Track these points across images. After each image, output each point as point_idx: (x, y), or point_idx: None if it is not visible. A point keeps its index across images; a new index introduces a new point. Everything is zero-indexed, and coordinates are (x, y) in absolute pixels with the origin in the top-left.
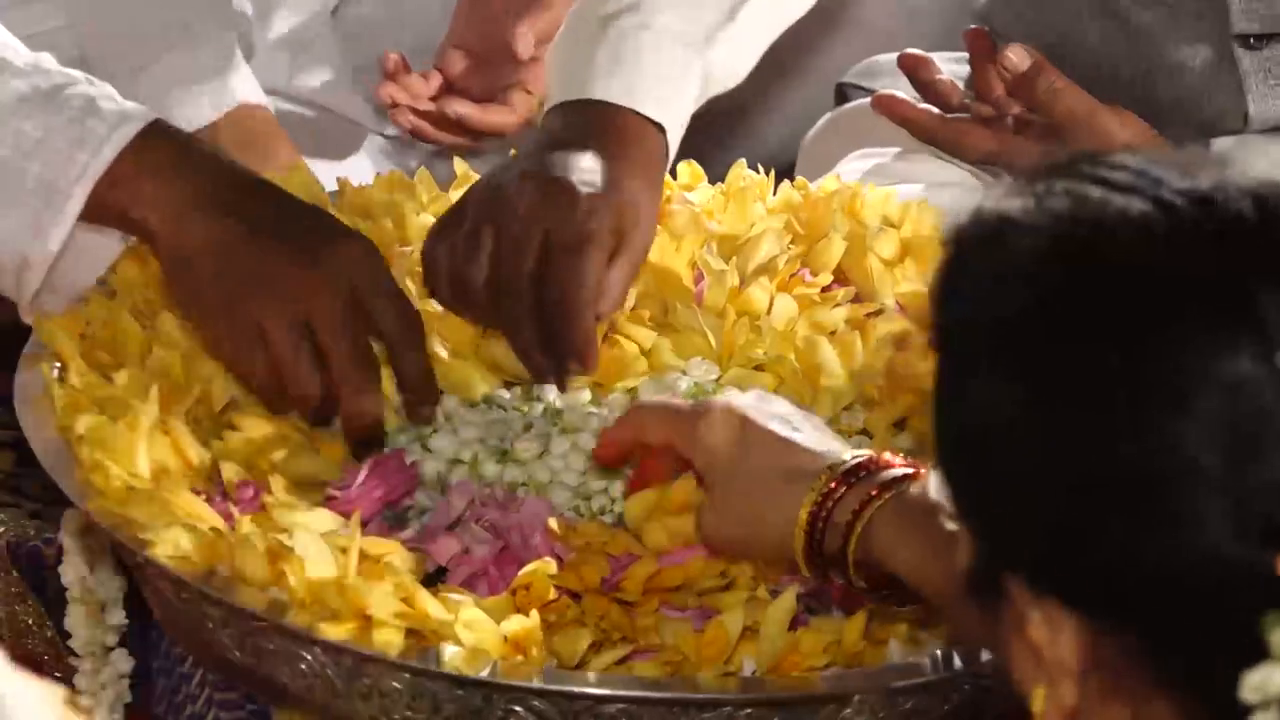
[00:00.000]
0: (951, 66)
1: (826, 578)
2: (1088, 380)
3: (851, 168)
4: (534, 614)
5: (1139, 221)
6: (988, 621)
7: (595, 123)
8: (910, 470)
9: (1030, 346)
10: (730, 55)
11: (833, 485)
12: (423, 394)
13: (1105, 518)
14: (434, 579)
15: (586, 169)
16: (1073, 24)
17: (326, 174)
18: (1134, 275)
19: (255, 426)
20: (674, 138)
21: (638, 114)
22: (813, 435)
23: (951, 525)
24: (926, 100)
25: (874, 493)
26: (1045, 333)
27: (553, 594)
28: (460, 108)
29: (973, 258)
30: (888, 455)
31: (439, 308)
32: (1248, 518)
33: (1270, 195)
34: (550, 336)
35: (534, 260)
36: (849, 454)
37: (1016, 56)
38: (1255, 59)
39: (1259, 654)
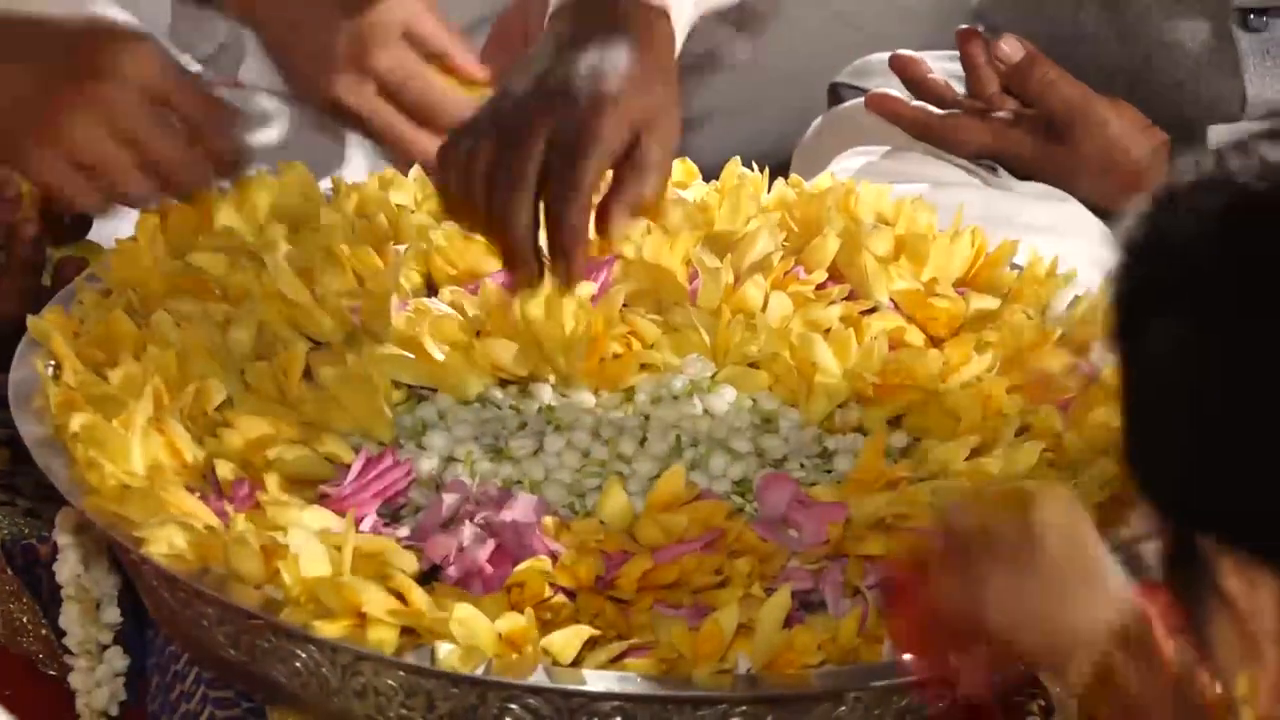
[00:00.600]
0: (944, 64)
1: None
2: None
3: (844, 166)
4: (529, 612)
5: None
6: (1187, 604)
7: (602, 14)
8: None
9: (1218, 287)
10: None
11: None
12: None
13: None
14: (429, 577)
15: (594, 67)
16: (1070, 9)
17: (323, 170)
18: None
19: (250, 424)
20: (680, 32)
21: (645, 3)
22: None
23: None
24: (919, 99)
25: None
26: (1231, 273)
27: (547, 592)
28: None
29: (1151, 222)
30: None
31: (436, 309)
32: None
33: None
34: (548, 236)
35: (534, 161)
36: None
37: (1010, 48)
38: (1253, 40)
39: None
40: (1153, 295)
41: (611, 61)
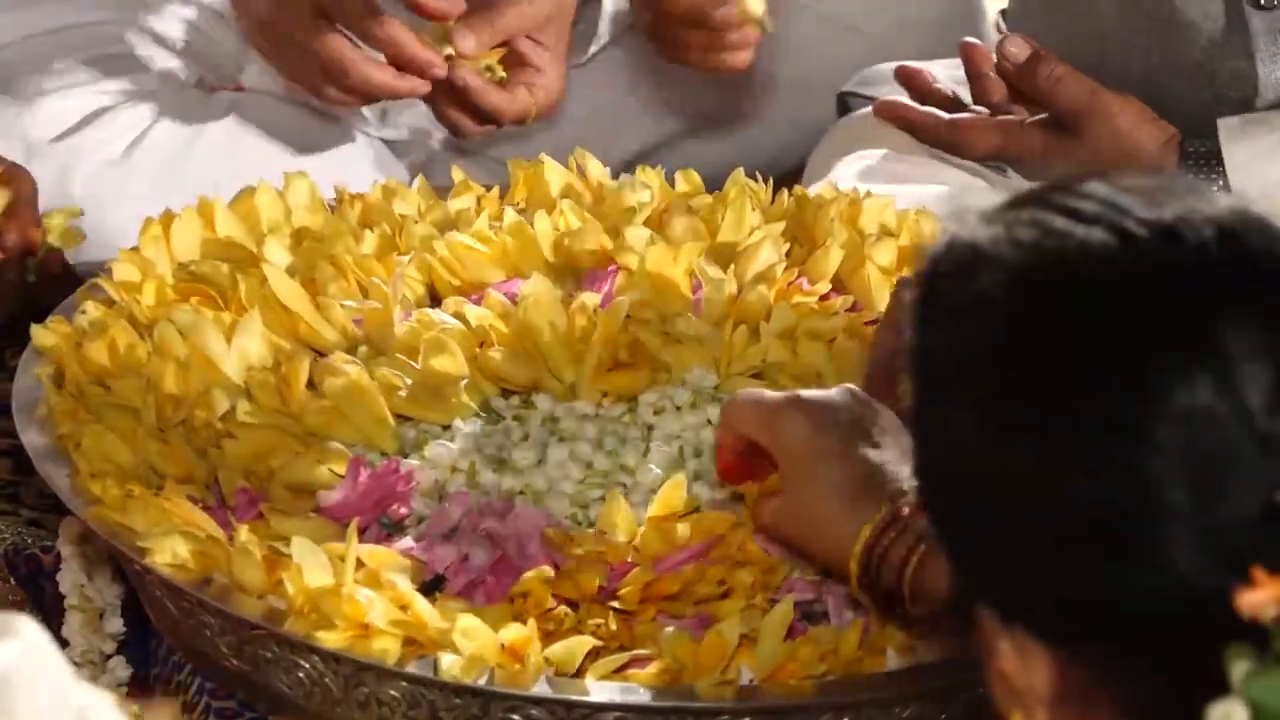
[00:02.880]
0: (949, 74)
1: (888, 608)
2: (1050, 413)
3: (848, 170)
4: (531, 622)
5: (1101, 253)
6: (971, 644)
7: None
8: None
9: (994, 380)
10: None
11: (886, 524)
12: None
13: (1071, 550)
14: (431, 587)
15: None
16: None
17: (324, 179)
18: (1095, 308)
19: (252, 435)
20: None
21: None
22: (888, 455)
23: None
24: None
25: (925, 534)
26: (1009, 367)
27: (550, 602)
28: (468, 76)
29: (943, 288)
30: None
31: (439, 319)
32: (1213, 549)
33: (1236, 225)
34: None
35: None
36: (909, 486)
37: (1016, 47)
38: (1265, 19)
39: (1224, 687)
40: (937, 370)
41: None
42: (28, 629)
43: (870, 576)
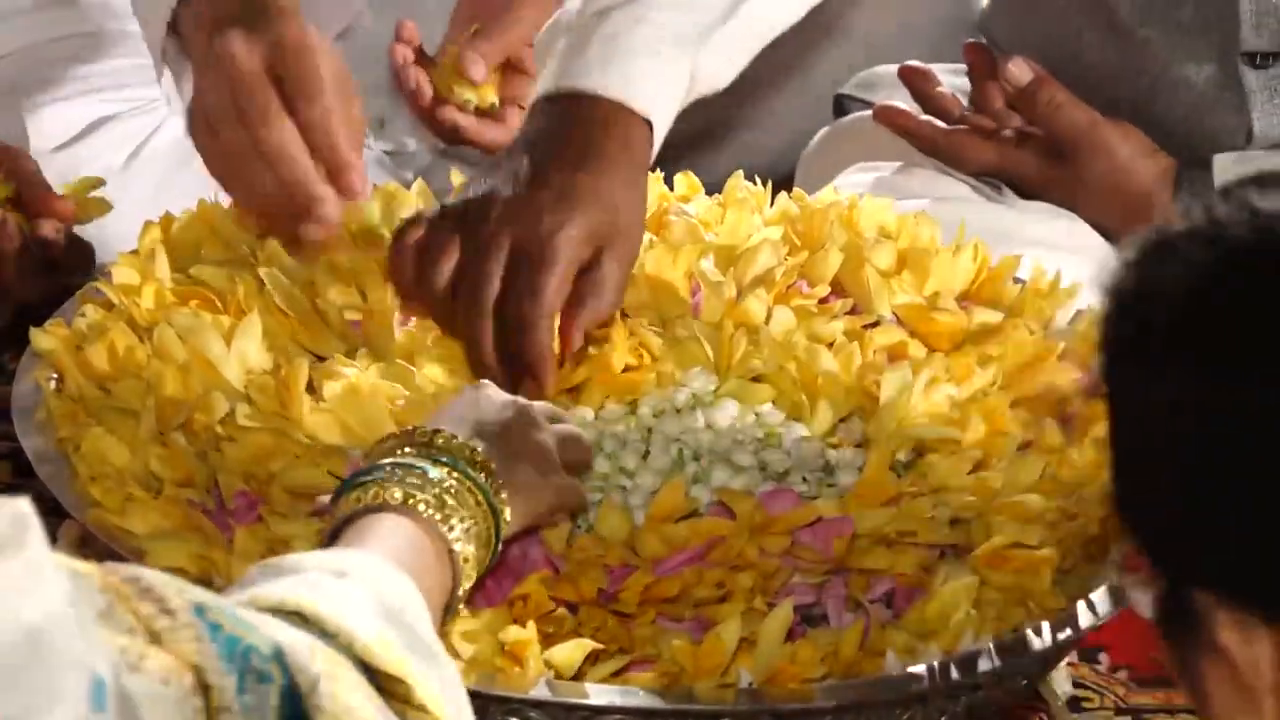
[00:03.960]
0: (950, 78)
1: None
2: (1270, 367)
3: (852, 180)
4: (531, 625)
5: None
6: (1180, 656)
7: (581, 117)
8: None
9: (1210, 341)
10: (721, 57)
11: None
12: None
13: None
14: None
15: (565, 173)
16: (1072, 39)
17: None
18: None
19: (252, 438)
20: (660, 135)
21: (626, 108)
22: None
23: None
24: (927, 112)
25: None
26: (1225, 327)
27: (550, 605)
28: (456, 117)
29: (1142, 273)
30: None
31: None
32: None
33: None
34: (508, 350)
35: (497, 271)
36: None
37: (1018, 70)
38: (1261, 77)
39: None
40: (1143, 347)
41: (582, 173)
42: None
43: None
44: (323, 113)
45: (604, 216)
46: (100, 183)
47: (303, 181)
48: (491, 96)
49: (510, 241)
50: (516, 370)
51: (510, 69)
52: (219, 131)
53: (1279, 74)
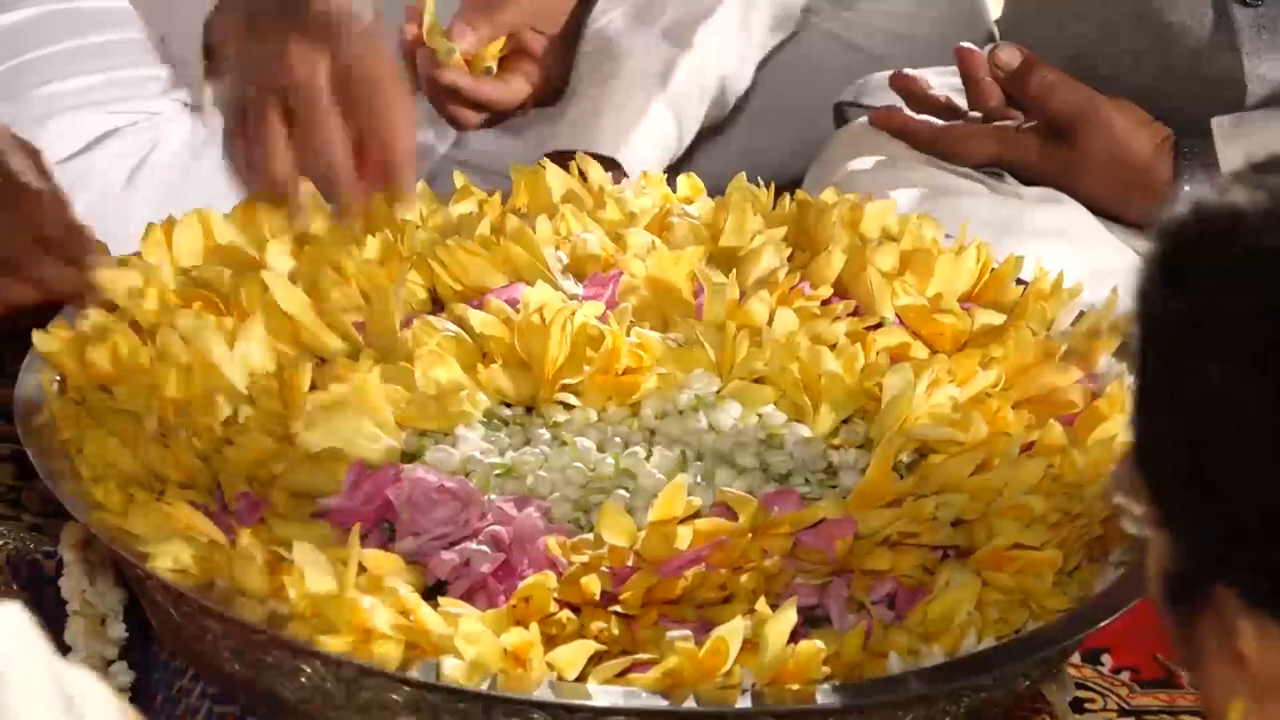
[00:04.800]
0: (945, 80)
1: None
2: None
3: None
4: (533, 627)
5: None
6: (1180, 628)
7: None
8: None
9: (1265, 340)
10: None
11: None
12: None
13: None
14: (433, 592)
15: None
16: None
17: None
18: None
19: (255, 440)
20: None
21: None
22: None
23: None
24: (921, 114)
25: None
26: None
27: (552, 606)
28: (455, 77)
29: (1199, 251)
30: None
31: (441, 326)
32: None
33: None
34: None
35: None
36: None
37: (1007, 54)
38: (1250, 15)
39: None
40: (1199, 332)
41: None
42: (8, 615)
43: None
44: (388, 126)
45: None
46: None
47: (343, 183)
48: (488, 61)
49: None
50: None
51: (515, 48)
52: (248, 123)
53: (1266, 12)
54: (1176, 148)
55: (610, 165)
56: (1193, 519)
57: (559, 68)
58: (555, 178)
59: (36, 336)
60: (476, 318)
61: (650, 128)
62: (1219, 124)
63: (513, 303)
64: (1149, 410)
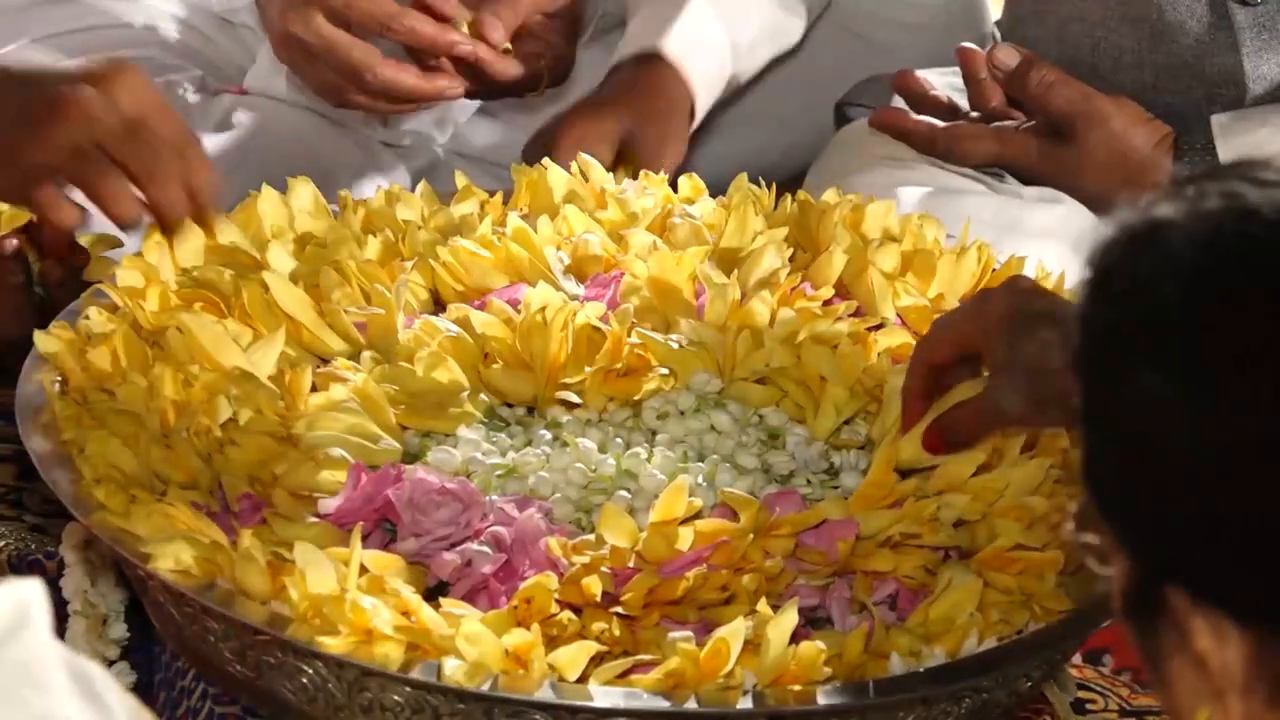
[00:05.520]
0: (948, 79)
1: None
2: (1255, 375)
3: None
4: (535, 628)
5: None
6: (1144, 641)
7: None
8: None
9: (1193, 342)
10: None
11: None
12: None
13: (1274, 522)
14: (435, 593)
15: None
16: (1074, 2)
17: (326, 183)
18: None
19: (256, 441)
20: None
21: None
22: None
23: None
24: (921, 114)
25: None
26: (1210, 328)
27: (554, 607)
28: (479, 50)
29: (1129, 257)
30: None
31: (443, 326)
32: None
33: None
34: None
35: None
36: None
37: (1005, 54)
38: (1249, 15)
39: None
40: (1125, 341)
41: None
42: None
43: None
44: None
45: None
46: (117, 244)
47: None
48: (504, 43)
49: None
50: None
51: (526, 33)
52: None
53: (1265, 11)
54: (1176, 145)
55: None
56: (1138, 526)
57: (567, 50)
58: (557, 178)
59: (38, 337)
60: (478, 318)
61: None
62: (1218, 121)
63: (514, 303)
64: (1089, 425)
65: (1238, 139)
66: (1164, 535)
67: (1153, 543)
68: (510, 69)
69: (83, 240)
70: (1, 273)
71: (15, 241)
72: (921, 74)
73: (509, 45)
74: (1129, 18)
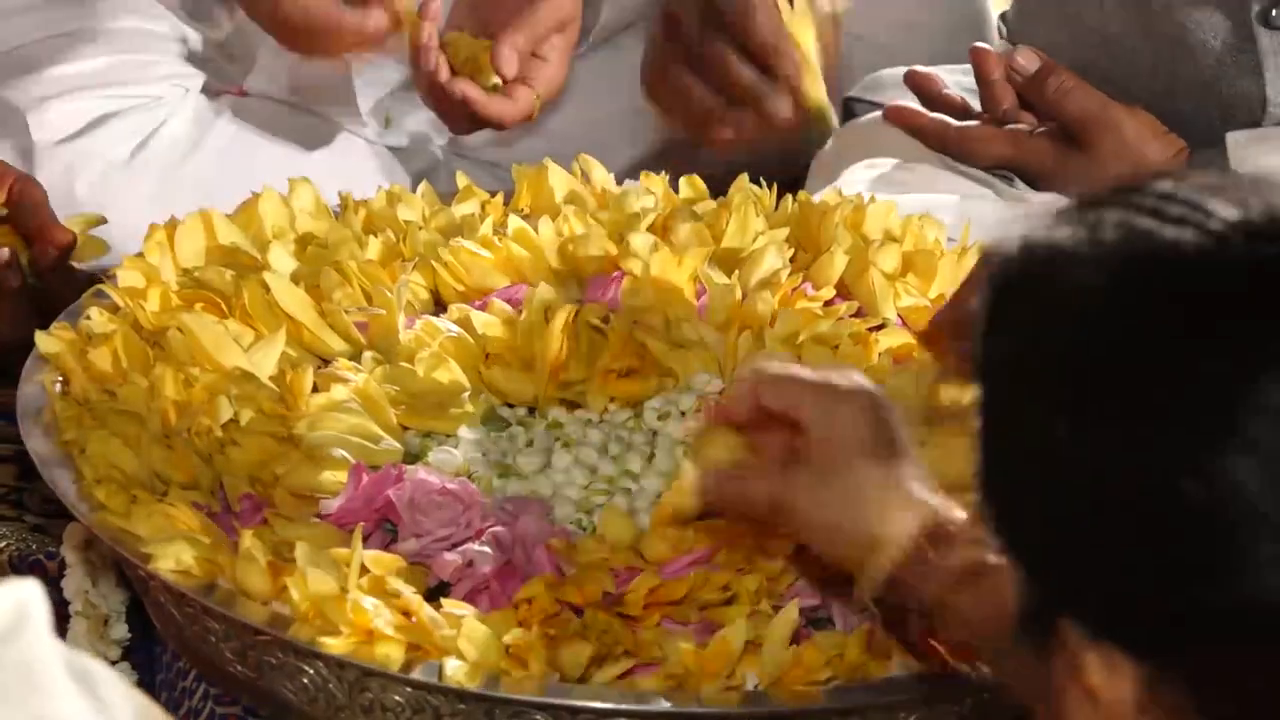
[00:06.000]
0: (957, 79)
1: (898, 624)
2: (1143, 415)
3: (855, 178)
4: (536, 628)
5: (1192, 254)
6: (1037, 666)
7: None
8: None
9: (1084, 379)
10: None
11: (932, 538)
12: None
13: (1163, 559)
14: (436, 593)
15: None
16: (1093, 11)
17: (328, 185)
18: (1189, 308)
19: (257, 441)
20: None
21: None
22: (915, 468)
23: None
24: (935, 112)
25: (966, 573)
26: (1099, 366)
27: (554, 608)
28: (468, 90)
29: (1023, 290)
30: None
31: (444, 326)
32: None
33: None
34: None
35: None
36: (942, 512)
37: (1025, 59)
38: (1275, 39)
39: None
40: (1014, 374)
41: None
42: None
43: (891, 591)
44: None
45: None
46: (101, 220)
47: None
48: (495, 80)
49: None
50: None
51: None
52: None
53: None
54: (1190, 160)
55: None
56: (1031, 556)
57: (559, 68)
58: (558, 178)
59: (39, 338)
60: (478, 318)
61: None
62: (1234, 139)
63: (515, 303)
64: (985, 452)
65: (1253, 159)
66: (1056, 568)
67: (1045, 574)
68: (505, 114)
69: (67, 222)
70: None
71: (7, 250)
72: (934, 70)
73: (498, 81)
74: (1149, 33)
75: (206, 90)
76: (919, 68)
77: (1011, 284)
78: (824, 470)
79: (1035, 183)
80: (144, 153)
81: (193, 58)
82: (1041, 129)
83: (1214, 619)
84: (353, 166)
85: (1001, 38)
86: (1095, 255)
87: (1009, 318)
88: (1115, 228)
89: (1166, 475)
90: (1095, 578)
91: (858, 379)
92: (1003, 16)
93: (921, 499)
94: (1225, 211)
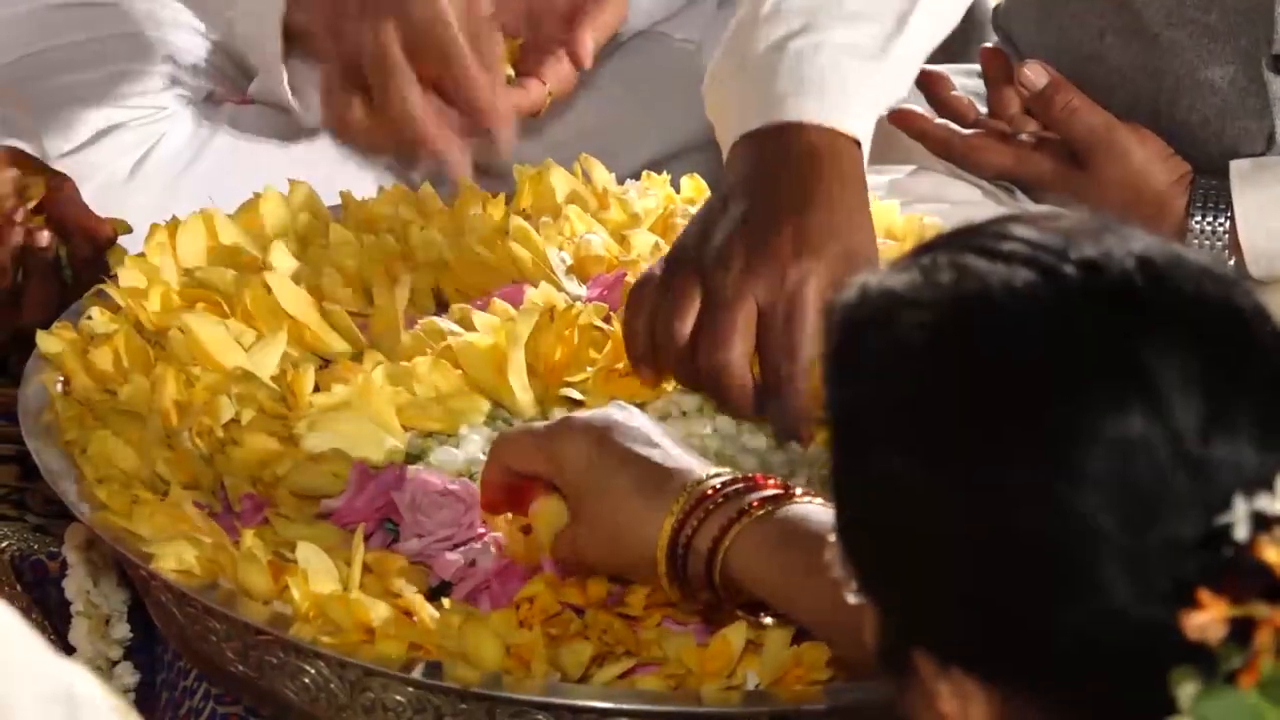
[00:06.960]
0: (963, 80)
1: (695, 598)
2: (982, 451)
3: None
4: (537, 628)
5: (1024, 291)
6: (901, 693)
7: (791, 150)
8: (779, 492)
9: (923, 421)
10: (902, 65)
11: (690, 509)
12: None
13: (1006, 587)
14: (438, 593)
15: (796, 216)
16: (1093, 40)
17: (329, 187)
18: (1022, 344)
19: (258, 441)
20: (865, 150)
21: (832, 131)
22: (672, 452)
23: (831, 554)
24: (941, 116)
25: (735, 517)
26: (938, 407)
27: (556, 608)
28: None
29: (863, 336)
30: (760, 475)
31: (445, 327)
32: (1151, 578)
33: (1156, 258)
34: (770, 405)
35: (749, 328)
36: (708, 474)
37: (1034, 74)
38: None
39: (1169, 711)
40: (856, 419)
41: (813, 213)
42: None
43: (678, 567)
44: (460, 72)
45: (842, 254)
46: (128, 229)
47: (428, 139)
48: (509, 70)
49: (756, 296)
50: (782, 427)
51: (537, 46)
52: (351, 108)
53: None
54: (1193, 185)
55: None
56: (882, 589)
57: (569, 65)
58: (559, 179)
59: (41, 337)
60: (479, 318)
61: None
62: (1237, 166)
63: (516, 304)
64: (836, 489)
65: (1256, 187)
66: (905, 602)
67: (897, 609)
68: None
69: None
70: (39, 264)
71: (48, 233)
72: (943, 69)
73: (511, 72)
74: (1150, 72)
75: (210, 98)
76: (929, 67)
77: (852, 329)
78: (578, 505)
79: (1037, 197)
80: (146, 164)
81: (196, 67)
82: (1046, 138)
83: (1059, 642)
84: (352, 175)
85: (997, 33)
86: (930, 298)
87: (851, 362)
88: (949, 269)
89: (1006, 508)
90: (941, 609)
91: (590, 415)
92: (995, 10)
93: (682, 475)
94: (1060, 247)
